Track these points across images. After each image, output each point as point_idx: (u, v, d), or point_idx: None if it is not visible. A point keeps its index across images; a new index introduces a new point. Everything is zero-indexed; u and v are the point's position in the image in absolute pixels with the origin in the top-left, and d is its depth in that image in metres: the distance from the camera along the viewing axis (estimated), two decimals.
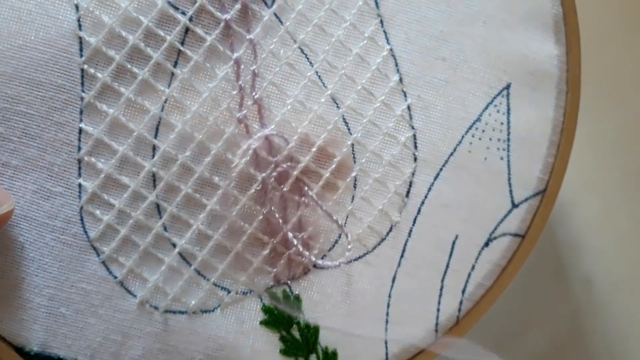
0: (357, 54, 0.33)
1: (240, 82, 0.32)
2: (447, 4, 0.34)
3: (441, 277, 0.35)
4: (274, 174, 0.32)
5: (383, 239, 0.34)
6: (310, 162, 0.33)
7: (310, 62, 0.33)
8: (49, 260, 0.32)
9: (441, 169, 0.35)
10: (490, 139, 0.35)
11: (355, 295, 0.34)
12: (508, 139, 0.35)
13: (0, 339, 0.32)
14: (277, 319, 0.34)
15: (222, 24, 0.31)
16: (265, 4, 0.32)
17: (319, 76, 0.33)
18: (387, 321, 0.35)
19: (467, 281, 0.35)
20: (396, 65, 0.34)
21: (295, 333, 0.34)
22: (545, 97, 0.35)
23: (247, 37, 0.32)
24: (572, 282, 0.53)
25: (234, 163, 0.32)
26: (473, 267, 0.35)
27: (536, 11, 0.35)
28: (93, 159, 0.31)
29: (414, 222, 0.35)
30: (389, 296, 0.35)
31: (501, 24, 0.34)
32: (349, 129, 0.33)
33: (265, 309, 0.34)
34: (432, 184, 0.35)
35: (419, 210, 0.35)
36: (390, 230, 0.35)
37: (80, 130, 0.31)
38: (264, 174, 0.32)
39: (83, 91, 0.31)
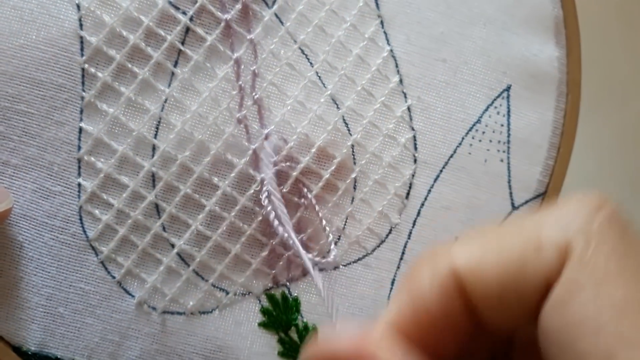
0: (357, 54, 0.33)
1: (240, 82, 0.32)
2: (447, 5, 0.34)
3: None
4: (273, 172, 0.32)
5: (382, 241, 0.34)
6: (309, 162, 0.33)
7: (311, 63, 0.33)
8: (47, 260, 0.32)
9: (441, 171, 0.34)
10: (491, 141, 0.35)
11: (355, 298, 0.34)
12: (508, 141, 0.35)
13: None
14: (276, 320, 0.34)
15: (222, 24, 0.31)
16: (266, 4, 0.32)
17: (319, 77, 0.33)
18: None
19: None
20: (396, 66, 0.34)
21: (294, 335, 0.34)
22: (546, 99, 0.35)
23: (248, 37, 0.32)
24: None
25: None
26: None
27: (537, 13, 0.35)
28: (93, 159, 0.31)
29: (414, 224, 0.34)
30: (389, 299, 0.35)
31: (502, 26, 0.34)
32: (348, 130, 0.33)
33: (264, 311, 0.34)
34: (432, 186, 0.34)
35: (418, 212, 0.34)
36: (390, 232, 0.34)
37: (81, 130, 0.31)
38: (263, 175, 0.32)
39: (83, 90, 0.31)
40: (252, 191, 0.32)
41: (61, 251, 0.32)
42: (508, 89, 0.35)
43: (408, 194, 0.34)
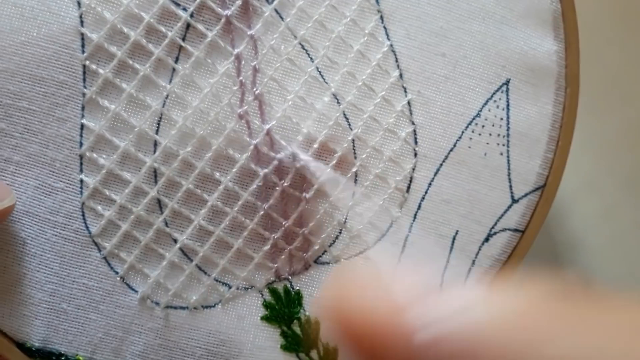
0: (358, 49, 0.33)
1: (241, 78, 0.32)
2: (446, 0, 0.34)
3: (441, 272, 0.35)
4: (274, 166, 0.33)
5: (383, 235, 0.35)
6: (311, 157, 0.33)
7: (311, 58, 0.33)
8: (50, 256, 0.32)
9: (441, 165, 0.35)
10: (490, 135, 0.35)
11: None
12: (508, 135, 0.35)
13: (1, 335, 0.32)
14: (278, 314, 0.34)
15: (223, 20, 0.32)
16: (266, 0, 0.32)
17: (320, 72, 0.33)
18: None
19: (467, 277, 0.35)
20: (396, 61, 0.34)
21: (296, 329, 0.34)
22: (545, 92, 0.36)
23: (248, 32, 0.32)
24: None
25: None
26: (473, 263, 0.35)
27: (535, 7, 0.35)
28: (95, 155, 0.31)
29: (415, 217, 0.35)
30: None
31: (500, 20, 0.35)
32: (349, 125, 0.34)
33: (266, 305, 0.34)
34: (432, 180, 0.35)
35: (419, 206, 0.35)
36: (391, 225, 0.35)
37: (82, 126, 0.31)
38: (265, 170, 0.32)
39: (85, 87, 0.31)
40: (254, 186, 0.33)
41: (64, 247, 0.32)
42: (507, 82, 0.35)
43: (409, 187, 0.35)
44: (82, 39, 0.31)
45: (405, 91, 0.34)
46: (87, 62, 0.31)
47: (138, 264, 0.32)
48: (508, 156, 0.35)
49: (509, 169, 0.35)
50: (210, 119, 0.32)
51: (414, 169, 0.34)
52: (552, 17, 0.35)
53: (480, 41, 0.34)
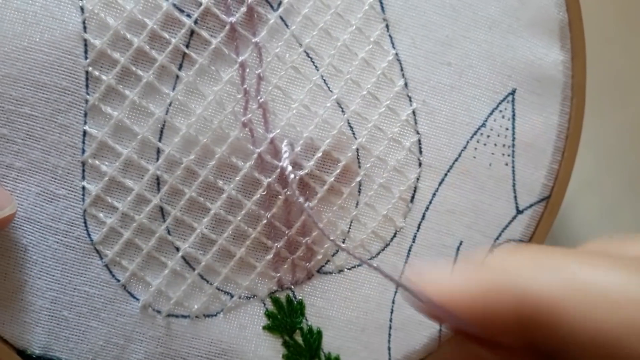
0: (363, 58, 0.33)
1: (245, 86, 0.32)
2: (452, 9, 0.34)
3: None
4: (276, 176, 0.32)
5: (387, 245, 0.34)
6: (314, 167, 0.33)
7: (316, 66, 0.33)
8: (51, 263, 0.31)
9: (446, 175, 0.34)
10: (495, 145, 0.35)
11: (359, 301, 0.34)
12: (513, 145, 0.35)
13: (2, 342, 0.31)
14: (280, 324, 0.34)
15: (227, 27, 0.31)
16: (271, 7, 0.32)
17: (325, 80, 0.33)
18: (390, 327, 0.35)
19: None
20: (401, 69, 0.33)
21: (298, 338, 0.34)
22: (551, 103, 0.35)
23: (253, 40, 0.32)
24: None
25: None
26: None
27: (542, 17, 0.35)
28: (97, 162, 0.31)
29: (418, 227, 0.34)
30: (393, 302, 0.35)
31: (507, 29, 0.34)
32: (354, 134, 0.33)
33: (269, 314, 0.34)
34: (436, 190, 0.34)
35: (423, 216, 0.34)
36: (395, 235, 0.34)
37: (85, 133, 0.31)
38: (269, 179, 0.32)
39: (87, 93, 0.31)
40: (257, 195, 0.32)
41: (65, 254, 0.31)
42: (513, 92, 0.35)
43: (413, 197, 0.34)
44: (85, 45, 0.30)
45: (410, 100, 0.34)
46: (90, 69, 0.30)
47: (140, 272, 0.32)
48: (513, 167, 0.35)
49: (514, 180, 0.35)
50: (213, 127, 0.32)
51: (418, 179, 0.34)
52: (559, 27, 0.35)
53: (486, 50, 0.34)
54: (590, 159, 0.52)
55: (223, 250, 0.33)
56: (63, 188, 0.31)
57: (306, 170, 0.33)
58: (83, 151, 0.31)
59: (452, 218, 0.35)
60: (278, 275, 0.33)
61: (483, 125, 0.35)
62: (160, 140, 0.32)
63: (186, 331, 0.33)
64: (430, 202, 0.34)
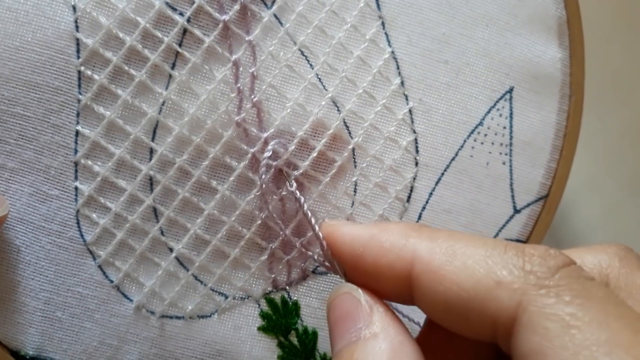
0: (358, 56, 0.33)
1: (239, 85, 0.31)
2: (449, 6, 0.33)
3: None
4: (270, 174, 0.32)
5: None
6: (309, 166, 0.32)
7: (311, 65, 0.32)
8: (45, 264, 0.31)
9: (443, 174, 0.34)
10: (493, 144, 0.34)
11: None
12: (510, 144, 0.35)
13: None
14: (275, 325, 0.33)
15: (220, 25, 0.31)
16: (265, 4, 0.32)
17: (320, 79, 0.32)
18: None
19: None
20: (398, 68, 0.33)
21: (294, 339, 0.34)
22: (549, 101, 0.35)
23: (246, 38, 0.31)
24: None
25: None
26: None
27: (540, 14, 0.34)
28: (90, 162, 0.31)
29: None
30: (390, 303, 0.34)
31: (504, 27, 0.34)
32: (349, 133, 0.33)
33: (263, 315, 0.33)
34: (433, 189, 0.34)
35: (419, 216, 0.34)
36: None
37: (77, 133, 0.31)
38: (263, 177, 0.32)
39: (80, 93, 0.30)
40: (252, 195, 0.32)
41: (58, 255, 0.31)
42: (510, 90, 0.34)
43: (409, 197, 0.34)
44: (77, 44, 0.30)
45: (407, 99, 0.33)
46: (82, 68, 0.30)
47: (133, 272, 0.32)
48: (511, 165, 0.35)
49: (511, 179, 0.35)
50: (207, 127, 0.31)
51: (414, 178, 0.34)
52: (557, 24, 0.34)
53: (483, 48, 0.34)
54: (590, 158, 0.52)
55: (217, 251, 0.32)
56: (56, 188, 0.31)
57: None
58: (75, 151, 0.31)
59: (449, 218, 0.34)
60: (273, 275, 0.33)
61: (480, 123, 0.34)
62: (153, 140, 0.31)
63: (180, 332, 0.33)
64: (426, 202, 0.34)
